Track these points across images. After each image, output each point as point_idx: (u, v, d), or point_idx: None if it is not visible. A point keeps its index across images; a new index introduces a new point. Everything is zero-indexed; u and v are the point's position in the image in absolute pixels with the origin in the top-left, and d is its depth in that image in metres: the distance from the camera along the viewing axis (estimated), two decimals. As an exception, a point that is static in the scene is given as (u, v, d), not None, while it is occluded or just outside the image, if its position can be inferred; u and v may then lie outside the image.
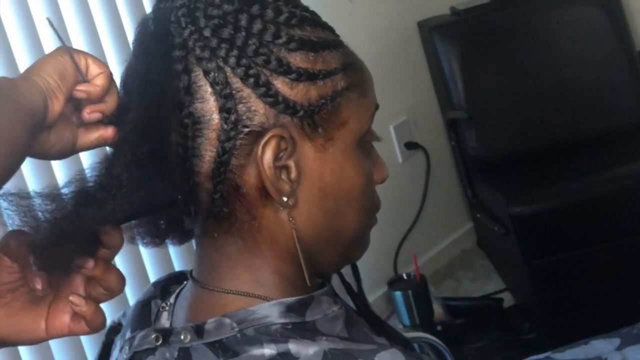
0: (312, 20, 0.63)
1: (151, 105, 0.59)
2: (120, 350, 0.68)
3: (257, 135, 0.60)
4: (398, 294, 2.07)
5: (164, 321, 0.67)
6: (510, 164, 2.24)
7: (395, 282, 2.14)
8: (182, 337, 0.62)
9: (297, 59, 0.61)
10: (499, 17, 2.38)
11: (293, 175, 0.61)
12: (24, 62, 1.46)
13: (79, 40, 1.57)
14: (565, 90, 2.31)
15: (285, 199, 0.61)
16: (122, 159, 0.58)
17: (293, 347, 0.59)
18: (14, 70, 1.43)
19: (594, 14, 2.32)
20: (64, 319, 0.59)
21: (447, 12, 2.48)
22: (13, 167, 0.54)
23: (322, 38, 0.63)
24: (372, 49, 2.36)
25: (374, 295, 2.29)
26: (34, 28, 1.48)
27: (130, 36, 1.68)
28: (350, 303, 0.72)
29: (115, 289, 0.60)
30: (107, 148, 0.63)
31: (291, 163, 0.61)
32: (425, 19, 2.50)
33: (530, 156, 2.23)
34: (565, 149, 2.21)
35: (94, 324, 0.59)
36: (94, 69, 0.61)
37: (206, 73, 0.59)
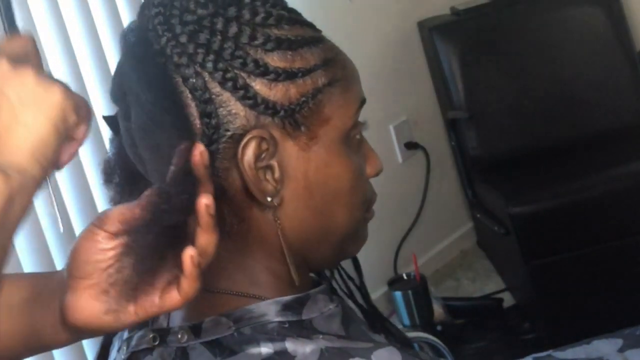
0: (290, 18, 0.63)
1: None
2: (118, 350, 0.68)
3: (239, 137, 0.60)
4: (398, 294, 2.08)
5: (161, 321, 0.67)
6: (510, 164, 2.24)
7: (395, 282, 2.14)
8: (179, 336, 0.62)
9: (274, 59, 0.60)
10: (499, 17, 2.38)
11: (277, 175, 0.61)
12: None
13: (79, 41, 1.57)
14: (565, 90, 2.31)
15: (269, 199, 0.61)
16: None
17: (290, 345, 0.59)
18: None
19: (594, 14, 2.32)
20: (153, 298, 0.56)
21: (447, 12, 2.48)
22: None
23: (300, 35, 0.63)
24: (372, 49, 2.36)
25: (374, 295, 2.29)
26: (33, 28, 1.48)
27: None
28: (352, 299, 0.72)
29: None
30: None
31: (274, 163, 0.61)
32: (425, 19, 2.49)
33: (530, 156, 2.23)
34: (565, 148, 2.21)
35: (191, 290, 0.55)
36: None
37: (185, 79, 0.59)
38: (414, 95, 2.53)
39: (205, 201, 0.54)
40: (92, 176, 1.55)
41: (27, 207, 0.50)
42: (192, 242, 0.55)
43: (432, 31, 2.38)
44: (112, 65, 1.62)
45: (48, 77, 0.52)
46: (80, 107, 0.53)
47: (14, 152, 0.49)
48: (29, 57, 0.53)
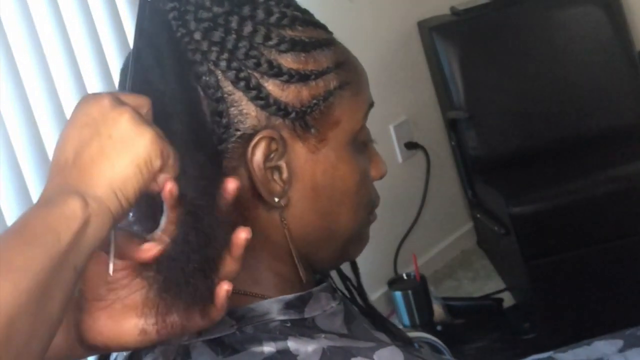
0: (304, 19, 0.63)
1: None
2: (120, 347, 0.68)
3: (248, 137, 0.60)
4: (398, 294, 2.08)
5: None
6: (510, 164, 2.24)
7: (395, 282, 2.14)
8: None
9: (288, 60, 0.61)
10: (499, 17, 2.38)
11: (284, 175, 0.61)
12: (24, 62, 1.46)
13: (79, 40, 1.57)
14: (565, 90, 2.31)
15: (276, 199, 0.61)
16: None
17: (292, 344, 0.59)
18: (14, 70, 1.42)
19: (594, 14, 2.32)
20: (174, 318, 0.55)
21: (447, 12, 2.48)
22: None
23: (313, 37, 0.63)
24: (372, 49, 2.36)
25: (374, 295, 2.29)
26: (33, 28, 1.48)
27: (130, 36, 1.68)
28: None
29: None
30: None
31: (282, 164, 0.61)
32: (425, 19, 2.50)
33: (530, 156, 2.23)
34: (565, 148, 2.21)
35: (218, 318, 0.56)
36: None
37: (198, 77, 0.59)
38: (414, 95, 2.53)
39: (245, 235, 0.55)
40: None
41: (100, 236, 0.51)
42: (214, 266, 0.55)
43: (432, 31, 2.38)
44: (112, 64, 1.62)
45: (144, 121, 0.53)
46: (169, 157, 0.54)
47: (95, 183, 0.51)
48: (131, 102, 0.55)
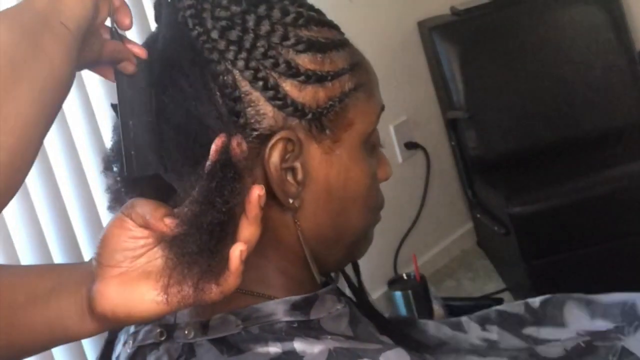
0: (319, 20, 0.63)
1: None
2: (124, 344, 0.68)
3: (265, 138, 0.59)
4: (398, 294, 2.07)
5: (169, 316, 0.66)
6: (510, 164, 2.24)
7: (395, 282, 2.14)
8: (186, 332, 0.62)
9: (305, 61, 0.60)
10: (499, 17, 2.38)
11: (299, 176, 0.61)
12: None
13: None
14: (565, 90, 2.31)
15: (291, 200, 0.61)
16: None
17: (298, 345, 0.59)
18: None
19: (594, 14, 2.32)
20: (186, 289, 0.54)
21: (447, 12, 2.48)
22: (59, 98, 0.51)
23: (329, 38, 0.63)
24: (372, 49, 2.33)
25: (374, 295, 2.28)
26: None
27: (131, 35, 1.68)
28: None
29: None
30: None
31: (297, 165, 0.60)
32: (425, 19, 2.50)
33: (530, 156, 2.23)
34: (565, 148, 2.21)
35: (233, 286, 0.55)
36: None
37: (215, 76, 0.58)
38: (414, 95, 2.53)
39: (258, 192, 0.54)
40: (90, 170, 1.55)
41: None
42: (232, 235, 0.55)
43: (432, 31, 2.38)
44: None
45: None
46: None
47: None
48: None
